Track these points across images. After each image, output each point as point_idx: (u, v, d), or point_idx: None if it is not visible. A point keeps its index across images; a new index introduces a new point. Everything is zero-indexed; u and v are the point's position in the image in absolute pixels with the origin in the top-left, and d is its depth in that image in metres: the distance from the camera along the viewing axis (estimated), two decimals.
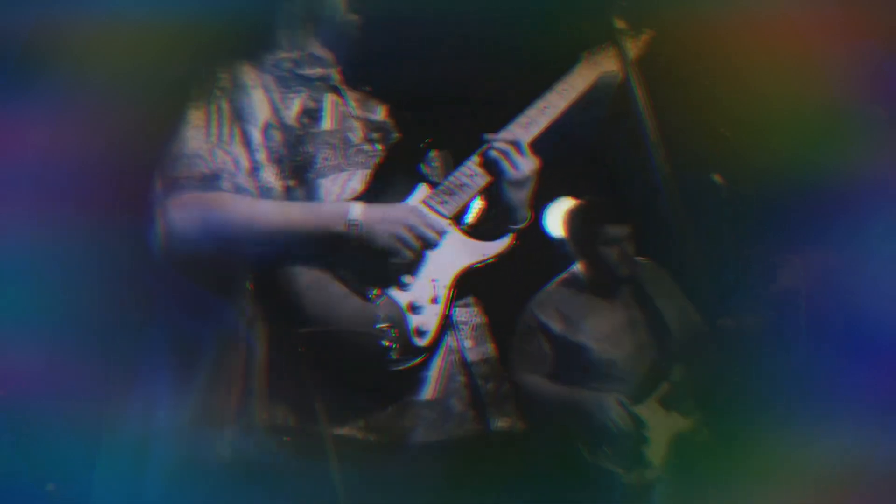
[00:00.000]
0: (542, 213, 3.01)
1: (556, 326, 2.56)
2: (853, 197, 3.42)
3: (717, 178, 2.94)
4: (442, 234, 1.49)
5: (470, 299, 1.62)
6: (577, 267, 2.73)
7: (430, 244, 1.46)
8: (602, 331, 2.46)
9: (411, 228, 1.42)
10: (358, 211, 1.45)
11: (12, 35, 3.31)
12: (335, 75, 1.71)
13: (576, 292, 2.54)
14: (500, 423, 1.46)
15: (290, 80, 1.64)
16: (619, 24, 1.59)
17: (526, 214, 1.63)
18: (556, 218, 2.71)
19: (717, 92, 3.47)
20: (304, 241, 1.42)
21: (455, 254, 1.50)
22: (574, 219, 2.62)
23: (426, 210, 1.52)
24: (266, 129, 1.53)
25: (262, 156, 1.53)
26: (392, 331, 1.33)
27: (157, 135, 3.85)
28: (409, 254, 1.42)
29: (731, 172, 3.80)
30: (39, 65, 3.39)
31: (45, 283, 3.18)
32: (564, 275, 2.67)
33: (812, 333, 3.23)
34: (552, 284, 2.63)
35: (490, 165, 1.57)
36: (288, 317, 1.38)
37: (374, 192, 1.55)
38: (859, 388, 2.94)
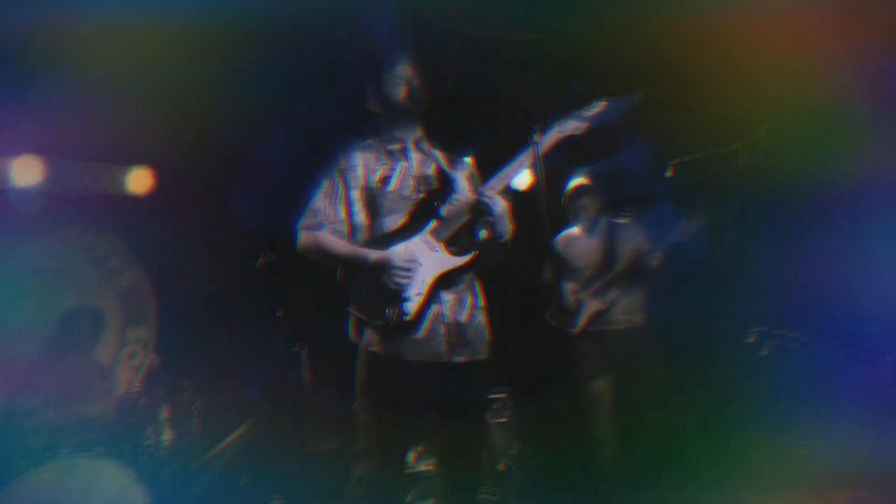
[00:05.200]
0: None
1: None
2: (853, 196, 3.45)
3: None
4: (414, 262, 2.64)
5: (459, 287, 2.68)
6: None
7: (408, 275, 2.61)
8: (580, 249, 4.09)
9: (397, 269, 2.62)
10: (373, 254, 2.63)
11: (12, 35, 3.30)
12: (410, 146, 2.75)
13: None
14: (458, 359, 2.60)
15: (381, 155, 2.72)
16: (537, 137, 2.62)
17: (508, 231, 2.67)
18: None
19: (719, 91, 3.54)
20: (350, 264, 2.65)
21: (438, 265, 2.65)
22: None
23: (430, 239, 2.67)
24: (363, 189, 2.68)
25: (359, 206, 2.68)
26: (395, 312, 2.61)
27: (155, 133, 3.85)
28: (399, 281, 2.63)
29: (731, 172, 3.91)
30: (40, 65, 3.38)
31: (43, 283, 3.16)
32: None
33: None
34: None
35: (477, 208, 2.66)
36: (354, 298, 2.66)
37: (408, 226, 2.68)
38: (859, 388, 2.96)
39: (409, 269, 2.59)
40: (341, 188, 2.68)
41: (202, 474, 3.47)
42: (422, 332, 2.55)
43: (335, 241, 2.65)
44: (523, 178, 2.81)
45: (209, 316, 4.08)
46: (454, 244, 2.63)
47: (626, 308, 3.77)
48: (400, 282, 2.56)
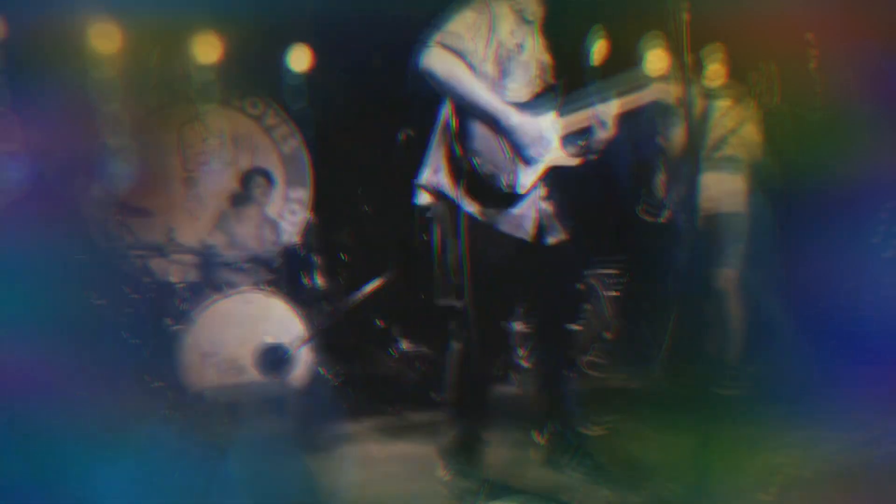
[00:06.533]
0: None
1: None
2: (852, 196, 3.30)
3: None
4: (548, 139, 2.65)
5: (549, 182, 2.75)
6: None
7: (543, 153, 2.64)
8: None
9: (538, 141, 2.60)
10: (516, 118, 2.56)
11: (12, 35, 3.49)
12: (536, 24, 2.70)
13: None
14: (550, 240, 2.67)
15: (519, 21, 2.64)
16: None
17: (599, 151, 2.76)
18: None
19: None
20: (484, 114, 2.53)
21: (554, 153, 2.68)
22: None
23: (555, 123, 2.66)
24: (499, 42, 2.56)
25: (491, 56, 2.56)
26: (511, 179, 2.58)
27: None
28: (536, 154, 2.62)
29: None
30: (36, 65, 3.58)
31: (45, 282, 3.10)
32: None
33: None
34: None
35: (593, 119, 2.68)
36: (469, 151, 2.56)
37: (530, 104, 2.65)
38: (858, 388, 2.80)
39: (546, 144, 2.56)
40: (486, 27, 2.52)
41: (345, 315, 4.16)
42: (519, 209, 2.59)
43: (475, 81, 2.47)
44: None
45: (355, 181, 4.61)
46: (566, 142, 2.67)
47: (720, 191, 3.75)
48: (536, 156, 2.53)
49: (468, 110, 2.49)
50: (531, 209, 2.65)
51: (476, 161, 2.49)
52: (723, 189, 3.73)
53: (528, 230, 2.63)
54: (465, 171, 2.49)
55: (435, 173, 2.59)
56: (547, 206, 2.71)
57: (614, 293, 4.61)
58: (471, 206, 2.53)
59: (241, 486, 2.71)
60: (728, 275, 3.68)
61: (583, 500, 2.23)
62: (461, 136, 2.49)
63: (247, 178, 4.45)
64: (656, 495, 2.39)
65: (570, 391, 2.75)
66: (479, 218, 2.54)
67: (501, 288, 2.60)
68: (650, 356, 4.19)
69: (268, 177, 4.50)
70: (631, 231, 4.15)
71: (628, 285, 4.59)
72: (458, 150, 2.48)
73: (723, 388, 3.36)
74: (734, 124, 3.72)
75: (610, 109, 2.67)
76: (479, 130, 2.52)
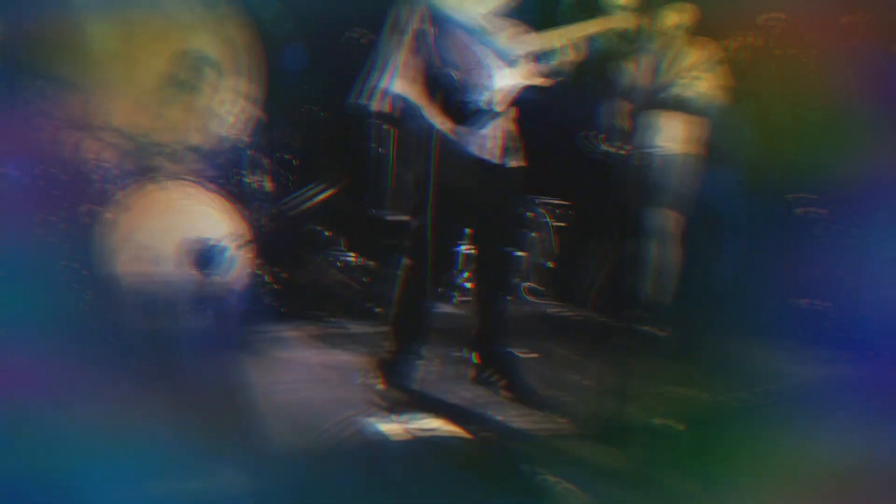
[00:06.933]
0: None
1: None
2: (852, 197, 3.28)
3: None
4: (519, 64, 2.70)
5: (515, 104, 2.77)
6: None
7: (515, 71, 2.68)
8: None
9: (510, 58, 2.69)
10: (494, 32, 2.61)
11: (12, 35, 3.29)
12: None
13: None
14: (511, 163, 2.72)
15: None
16: None
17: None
18: None
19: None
20: (462, 24, 2.61)
21: (523, 74, 2.75)
22: None
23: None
24: None
25: None
26: (488, 97, 2.62)
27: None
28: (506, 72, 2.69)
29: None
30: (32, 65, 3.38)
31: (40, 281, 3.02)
32: None
33: None
34: None
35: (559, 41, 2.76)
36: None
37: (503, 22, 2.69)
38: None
39: (517, 62, 2.63)
40: None
41: (287, 219, 4.05)
42: (486, 130, 2.64)
43: None
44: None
45: (309, 81, 4.42)
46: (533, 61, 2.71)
47: (671, 130, 3.72)
48: (509, 74, 2.59)
49: (446, 20, 2.51)
50: (497, 130, 2.68)
51: (452, 74, 2.50)
52: (674, 129, 3.73)
53: (493, 151, 2.67)
54: (440, 83, 2.50)
55: (403, 82, 2.57)
56: (512, 128, 2.74)
57: (561, 224, 4.64)
58: (441, 123, 2.55)
59: (166, 383, 2.67)
60: (669, 215, 3.72)
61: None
62: (438, 46, 2.50)
63: (188, 62, 4.22)
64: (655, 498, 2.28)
65: (506, 314, 2.81)
66: (448, 135, 2.55)
67: (459, 208, 2.63)
68: (586, 289, 4.28)
69: (211, 63, 4.26)
70: (583, 162, 4.14)
71: (575, 217, 4.63)
72: (431, 59, 2.48)
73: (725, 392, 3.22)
74: (696, 67, 3.69)
75: (576, 32, 2.70)
76: (457, 41, 2.52)
